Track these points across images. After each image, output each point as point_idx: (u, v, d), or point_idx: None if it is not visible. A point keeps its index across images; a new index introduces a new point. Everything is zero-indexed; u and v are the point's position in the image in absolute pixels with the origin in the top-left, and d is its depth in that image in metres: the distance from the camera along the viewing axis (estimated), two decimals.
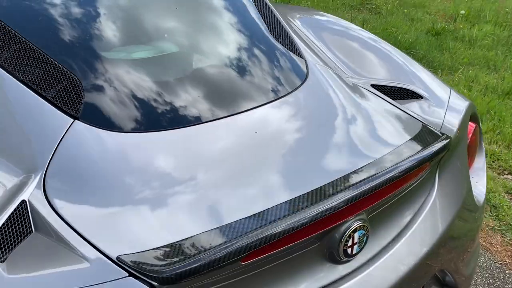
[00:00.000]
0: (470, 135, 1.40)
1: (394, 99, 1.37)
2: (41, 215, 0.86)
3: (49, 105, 1.03)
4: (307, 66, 1.36)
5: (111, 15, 1.29)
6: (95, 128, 1.01)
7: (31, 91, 1.05)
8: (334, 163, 1.05)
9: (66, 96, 1.05)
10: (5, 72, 1.08)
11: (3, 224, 0.84)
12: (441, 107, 1.36)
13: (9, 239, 0.82)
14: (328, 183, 0.96)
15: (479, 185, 1.47)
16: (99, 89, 1.09)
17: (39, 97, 1.05)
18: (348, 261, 1.02)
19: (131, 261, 0.77)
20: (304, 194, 0.93)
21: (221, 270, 0.80)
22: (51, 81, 1.08)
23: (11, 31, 1.15)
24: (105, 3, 1.31)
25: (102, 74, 1.13)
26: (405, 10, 5.51)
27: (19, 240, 0.83)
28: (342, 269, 1.01)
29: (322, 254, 0.99)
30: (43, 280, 0.76)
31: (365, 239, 1.00)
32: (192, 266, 0.76)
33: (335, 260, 1.00)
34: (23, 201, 0.88)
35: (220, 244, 0.79)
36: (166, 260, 0.77)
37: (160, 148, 1.01)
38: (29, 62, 1.10)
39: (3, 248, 0.81)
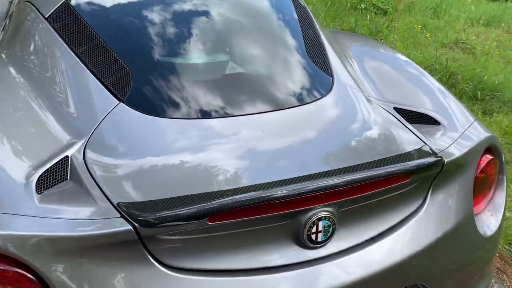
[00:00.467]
0: (482, 165, 1.43)
1: (411, 122, 1.45)
2: (77, 169, 1.13)
3: (105, 89, 1.33)
4: (332, 84, 1.52)
5: (170, 27, 1.57)
6: (134, 110, 1.27)
7: (95, 78, 1.36)
8: (318, 162, 1.19)
9: (118, 84, 1.34)
10: (78, 60, 1.40)
11: (47, 169, 1.12)
12: (455, 134, 1.42)
13: (49, 180, 1.10)
14: (305, 175, 1.10)
15: (493, 218, 1.48)
16: (144, 82, 1.37)
17: (99, 83, 1.35)
18: (313, 248, 1.14)
19: (125, 207, 1.01)
20: (279, 180, 1.09)
21: (189, 225, 0.99)
22: (111, 71, 1.37)
23: (91, 30, 1.47)
24: (166, 16, 1.59)
25: (151, 71, 1.41)
26: (497, 51, 5.27)
27: (56, 182, 1.10)
28: (305, 254, 1.13)
29: (289, 235, 1.12)
30: (62, 211, 1.01)
31: (330, 230, 1.12)
32: (165, 216, 0.97)
33: (300, 243, 1.13)
34: (66, 156, 1.16)
35: (191, 205, 0.99)
36: (148, 210, 1.00)
37: (178, 132, 1.24)
38: (98, 55, 1.42)
39: (44, 185, 1.08)
